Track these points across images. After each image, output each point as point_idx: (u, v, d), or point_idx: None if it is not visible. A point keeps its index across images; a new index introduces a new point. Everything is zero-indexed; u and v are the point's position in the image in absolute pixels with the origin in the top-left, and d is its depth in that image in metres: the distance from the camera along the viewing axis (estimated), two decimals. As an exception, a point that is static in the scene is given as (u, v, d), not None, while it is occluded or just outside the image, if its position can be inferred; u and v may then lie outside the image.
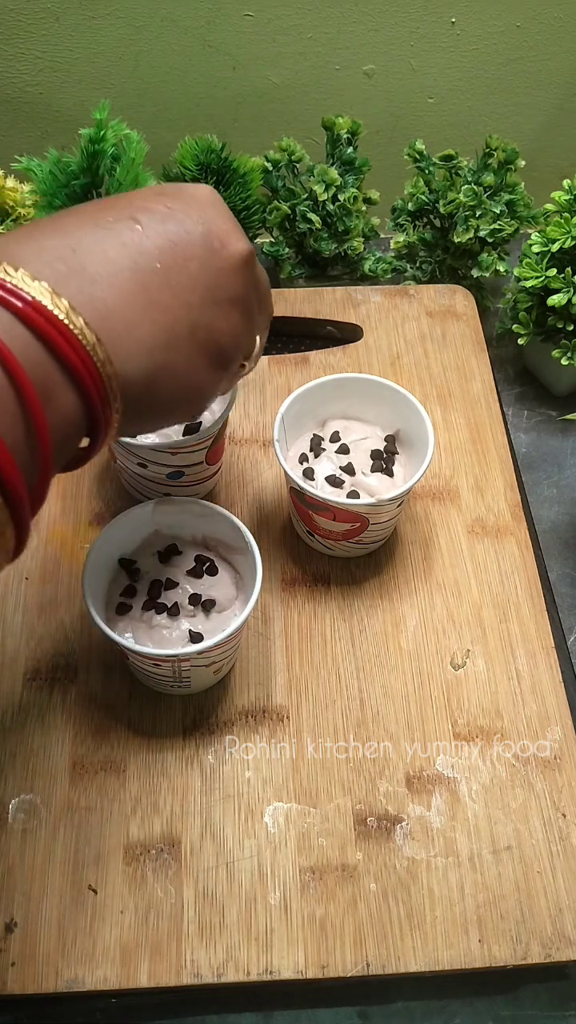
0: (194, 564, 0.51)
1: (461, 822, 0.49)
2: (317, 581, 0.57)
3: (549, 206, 0.67)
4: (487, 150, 0.71)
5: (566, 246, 0.64)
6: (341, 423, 0.57)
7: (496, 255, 0.72)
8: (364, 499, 0.53)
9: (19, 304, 0.29)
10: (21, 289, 0.30)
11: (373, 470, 0.55)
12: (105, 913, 0.46)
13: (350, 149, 0.72)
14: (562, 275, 0.65)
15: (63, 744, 0.50)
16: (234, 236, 0.36)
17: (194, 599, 0.50)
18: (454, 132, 0.84)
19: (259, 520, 0.60)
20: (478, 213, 0.70)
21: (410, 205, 0.74)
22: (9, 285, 0.30)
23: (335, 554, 0.58)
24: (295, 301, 0.71)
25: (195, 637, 0.48)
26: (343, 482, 0.54)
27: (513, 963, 0.46)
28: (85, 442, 0.34)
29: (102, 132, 0.63)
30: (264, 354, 0.46)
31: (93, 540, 0.49)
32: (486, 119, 0.83)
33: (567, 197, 0.66)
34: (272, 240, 0.75)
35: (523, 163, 0.71)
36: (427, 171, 0.73)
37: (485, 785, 0.50)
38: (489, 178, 0.70)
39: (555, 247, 0.65)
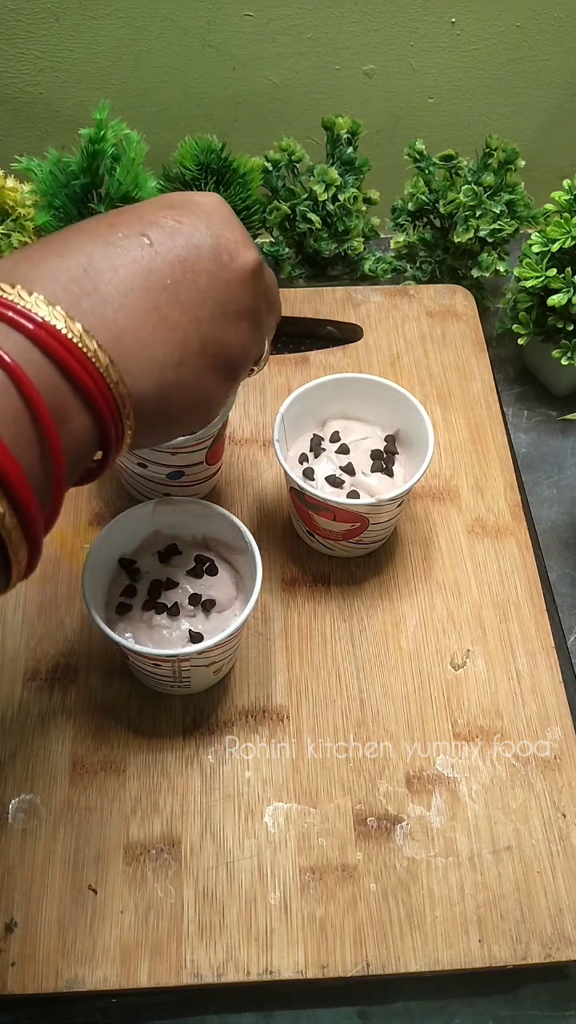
0: (194, 564, 0.51)
1: (461, 822, 0.49)
2: (317, 581, 0.57)
3: (549, 206, 0.67)
4: (487, 150, 0.71)
5: (566, 246, 0.64)
6: (341, 423, 0.57)
7: (496, 255, 0.72)
8: (364, 499, 0.53)
9: (33, 328, 0.30)
10: (35, 313, 0.30)
11: (373, 470, 0.55)
12: (105, 913, 0.46)
13: (350, 149, 0.72)
14: (562, 275, 0.65)
15: (63, 744, 0.50)
16: (243, 247, 0.36)
17: (194, 599, 0.50)
18: (454, 132, 0.84)
19: (259, 520, 0.60)
20: (478, 213, 0.70)
21: (410, 205, 0.74)
22: (22, 308, 0.30)
23: (335, 554, 0.58)
24: (295, 301, 0.71)
25: (195, 637, 0.48)
26: (343, 482, 0.54)
27: (513, 963, 0.46)
28: (98, 455, 0.34)
29: (102, 132, 0.63)
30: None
31: (93, 540, 0.49)
32: (486, 119, 0.83)
33: (567, 197, 0.66)
34: (272, 240, 0.75)
35: (523, 163, 0.71)
36: (427, 171, 0.73)
37: (485, 785, 0.50)
38: (489, 178, 0.70)
39: (555, 247, 0.65)
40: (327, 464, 0.55)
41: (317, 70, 0.78)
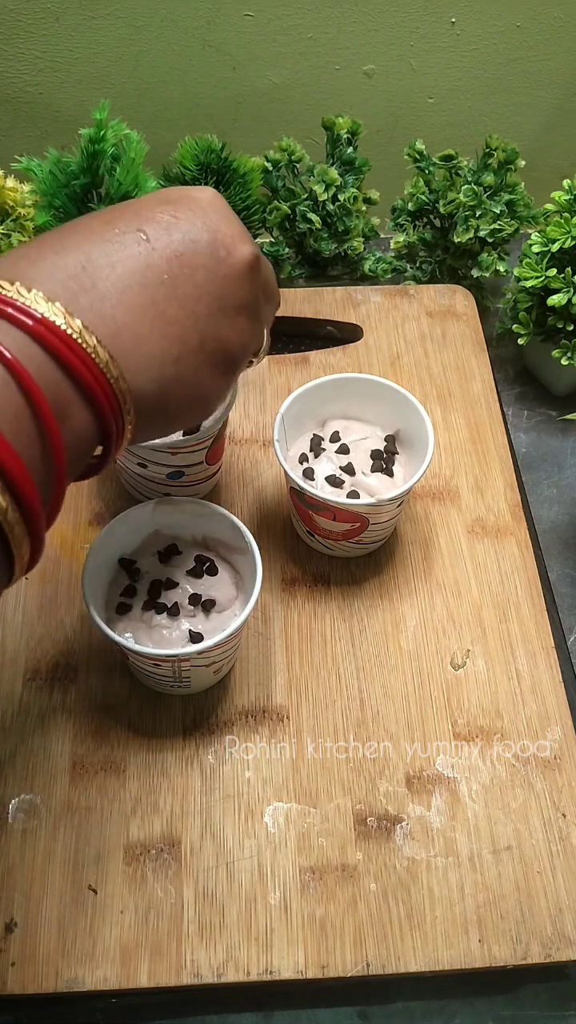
0: (194, 564, 0.51)
1: (461, 822, 0.49)
2: (317, 581, 0.57)
3: (549, 206, 0.67)
4: (487, 150, 0.71)
5: (566, 246, 0.64)
6: (341, 423, 0.57)
7: (496, 255, 0.72)
8: (364, 499, 0.53)
9: (32, 324, 0.30)
10: (35, 309, 0.30)
11: (373, 470, 0.55)
12: (105, 913, 0.46)
13: (350, 149, 0.72)
14: (562, 275, 0.65)
15: (63, 744, 0.50)
16: (239, 241, 0.36)
17: (194, 599, 0.50)
18: (454, 132, 0.84)
19: (259, 520, 0.60)
20: (478, 213, 0.70)
21: (410, 205, 0.74)
22: (21, 304, 0.30)
23: (335, 554, 0.58)
24: (295, 301, 0.71)
25: (195, 637, 0.48)
26: (343, 482, 0.54)
27: (513, 963, 0.46)
28: (98, 450, 0.34)
29: (102, 132, 0.63)
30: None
31: (93, 540, 0.49)
32: (486, 119, 0.83)
33: (567, 197, 0.66)
34: (272, 240, 0.75)
35: (523, 163, 0.71)
36: (427, 171, 0.73)
37: (485, 785, 0.50)
38: (489, 178, 0.70)
39: (555, 247, 0.65)
40: (327, 464, 0.55)
41: (317, 70, 0.78)
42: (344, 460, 0.55)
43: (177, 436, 0.53)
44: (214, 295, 0.35)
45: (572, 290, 0.65)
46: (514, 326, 0.70)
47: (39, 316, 0.30)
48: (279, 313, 0.44)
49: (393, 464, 0.56)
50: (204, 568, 0.51)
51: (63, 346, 0.30)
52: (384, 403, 0.56)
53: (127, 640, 0.48)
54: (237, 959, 0.45)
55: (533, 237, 0.66)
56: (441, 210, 0.72)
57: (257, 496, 0.61)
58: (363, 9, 0.75)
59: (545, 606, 0.57)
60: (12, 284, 0.31)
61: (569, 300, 0.65)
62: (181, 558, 0.52)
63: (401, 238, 0.76)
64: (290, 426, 0.55)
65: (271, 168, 0.72)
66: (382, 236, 0.79)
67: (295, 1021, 0.47)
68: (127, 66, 0.77)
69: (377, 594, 0.57)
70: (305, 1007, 0.47)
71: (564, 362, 0.67)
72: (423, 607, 0.56)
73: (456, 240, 0.71)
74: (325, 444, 0.56)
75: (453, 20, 0.76)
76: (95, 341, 0.31)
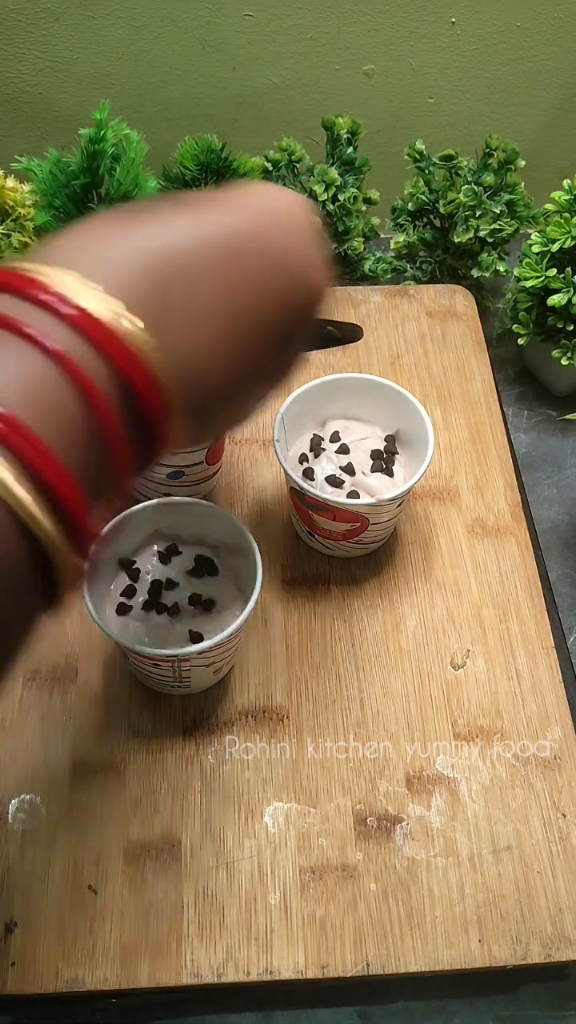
0: (194, 564, 0.51)
1: (461, 822, 0.49)
2: (317, 581, 0.57)
3: (549, 206, 0.67)
4: (487, 150, 0.71)
5: (566, 246, 0.64)
6: (341, 423, 0.57)
7: (496, 255, 0.72)
8: (364, 499, 0.53)
9: (116, 352, 0.27)
10: (124, 339, 0.27)
11: (373, 470, 0.55)
12: (105, 913, 0.46)
13: (350, 149, 0.72)
14: (562, 275, 0.65)
15: (63, 744, 0.50)
16: (318, 274, 0.34)
17: (194, 599, 0.50)
18: (454, 132, 0.84)
19: (259, 520, 0.59)
20: (478, 213, 0.70)
21: (410, 205, 0.74)
22: (107, 325, 0.27)
23: (335, 554, 0.58)
24: (295, 301, 0.71)
25: (195, 637, 0.48)
26: (343, 482, 0.54)
27: (513, 963, 0.45)
28: None
29: (102, 132, 0.63)
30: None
31: (93, 540, 0.48)
32: (486, 119, 0.83)
33: (567, 197, 0.66)
34: (272, 240, 0.75)
35: (523, 163, 0.71)
36: (427, 171, 0.73)
37: (485, 785, 0.50)
38: (489, 178, 0.70)
39: (555, 247, 0.65)
40: (327, 464, 0.55)
41: (317, 70, 0.78)
42: (344, 460, 0.55)
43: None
44: (283, 331, 0.34)
45: (572, 290, 0.65)
46: (514, 326, 0.70)
47: (123, 344, 0.27)
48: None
49: (393, 464, 0.56)
50: (204, 568, 0.51)
51: (143, 385, 0.28)
52: (384, 403, 0.56)
53: (127, 640, 0.48)
54: (237, 959, 0.45)
55: (533, 237, 0.66)
56: (441, 210, 0.72)
57: (257, 496, 0.61)
58: (363, 9, 0.75)
59: (545, 606, 0.57)
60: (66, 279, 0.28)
61: (569, 300, 0.65)
62: (181, 558, 0.52)
63: (401, 238, 0.76)
64: (290, 426, 0.55)
65: (271, 168, 0.72)
66: (382, 236, 0.79)
67: (295, 1021, 0.47)
68: (127, 66, 0.76)
69: (377, 594, 0.57)
70: (305, 1007, 0.47)
71: (564, 362, 0.67)
72: (423, 607, 0.56)
73: (456, 240, 0.71)
74: (325, 444, 0.56)
75: (453, 20, 0.76)
76: (160, 355, 0.28)
